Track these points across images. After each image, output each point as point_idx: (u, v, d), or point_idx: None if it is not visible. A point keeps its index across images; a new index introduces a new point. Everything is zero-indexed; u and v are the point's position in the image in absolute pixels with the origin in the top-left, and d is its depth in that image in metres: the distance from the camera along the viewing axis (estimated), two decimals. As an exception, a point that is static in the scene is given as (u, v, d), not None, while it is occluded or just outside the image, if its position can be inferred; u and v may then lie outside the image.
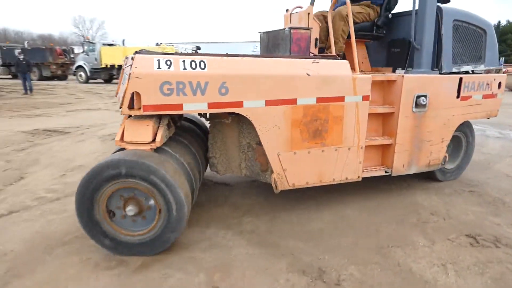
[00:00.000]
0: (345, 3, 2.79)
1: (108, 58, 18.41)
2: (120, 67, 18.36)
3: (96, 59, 18.70)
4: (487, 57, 3.30)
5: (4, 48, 20.95)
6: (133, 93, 2.08)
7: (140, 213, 2.16)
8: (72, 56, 21.65)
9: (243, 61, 2.27)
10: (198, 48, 18.59)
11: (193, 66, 2.15)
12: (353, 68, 2.64)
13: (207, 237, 2.43)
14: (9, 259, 2.16)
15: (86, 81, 19.04)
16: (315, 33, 2.94)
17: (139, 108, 2.10)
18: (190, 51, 17.72)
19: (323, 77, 2.45)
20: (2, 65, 20.59)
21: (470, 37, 3.17)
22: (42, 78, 19.77)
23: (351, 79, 2.54)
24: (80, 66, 18.99)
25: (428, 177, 3.54)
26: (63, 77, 21.10)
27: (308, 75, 2.40)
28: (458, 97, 3.08)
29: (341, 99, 2.56)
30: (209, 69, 2.18)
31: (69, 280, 1.97)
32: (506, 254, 2.26)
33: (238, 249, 2.29)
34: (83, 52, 19.26)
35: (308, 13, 2.89)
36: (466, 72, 3.21)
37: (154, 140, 2.17)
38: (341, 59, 2.62)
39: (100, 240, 2.15)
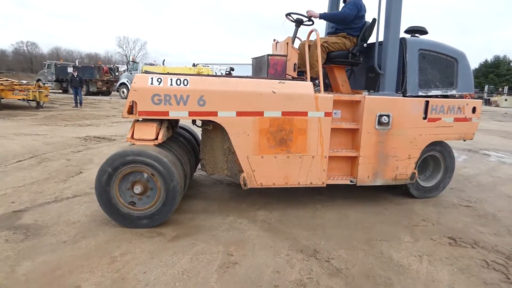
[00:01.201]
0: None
1: (149, 76, 20.34)
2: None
3: (138, 77, 20.75)
4: (459, 83, 3.70)
5: (58, 65, 24.02)
6: (132, 102, 2.86)
7: (145, 192, 2.91)
8: (116, 74, 24.15)
9: (217, 80, 2.99)
10: (232, 69, 19.89)
11: (178, 83, 2.91)
12: (321, 89, 3.24)
13: (227, 223, 3.11)
14: (77, 226, 2.92)
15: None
16: (293, 59, 3.58)
17: (136, 113, 2.87)
18: (224, 73, 19.04)
19: (287, 95, 3.08)
20: (55, 81, 23.51)
21: (439, 64, 3.62)
22: (88, 93, 22.28)
23: (314, 97, 3.13)
24: (123, 83, 21.21)
25: (404, 194, 3.90)
26: (107, 93, 23.59)
27: (274, 92, 3.04)
28: (425, 118, 3.50)
29: (305, 113, 3.15)
30: (190, 85, 2.92)
31: (122, 241, 2.69)
32: (478, 253, 2.71)
33: (250, 232, 2.95)
34: (126, 70, 21.49)
35: (287, 43, 3.56)
36: (444, 96, 3.64)
37: (156, 138, 2.96)
38: (313, 81, 3.24)
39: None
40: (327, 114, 3.21)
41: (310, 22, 3.71)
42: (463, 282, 2.30)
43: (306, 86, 3.17)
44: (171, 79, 2.91)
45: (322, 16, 3.70)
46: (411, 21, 4.16)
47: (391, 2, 3.35)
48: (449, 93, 3.69)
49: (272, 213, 3.38)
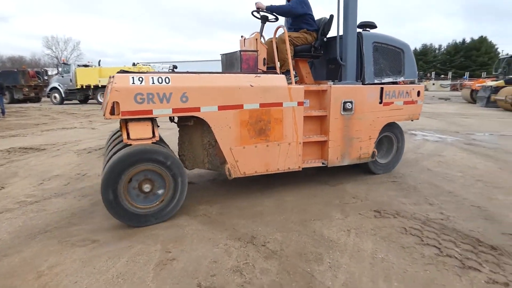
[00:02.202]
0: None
1: (84, 79, 19.36)
2: (95, 87, 19.25)
3: (71, 80, 19.56)
4: (406, 71, 4.36)
5: (-29, 72, 21.55)
6: (113, 102, 2.95)
7: (153, 190, 3.09)
8: (46, 78, 22.37)
9: (199, 76, 3.21)
10: (175, 67, 19.62)
11: (160, 81, 3.07)
12: (292, 81, 3.61)
13: (167, 221, 3.16)
14: (-2, 245, 2.73)
15: (61, 103, 19.79)
16: (263, 54, 3.91)
17: (119, 114, 2.97)
18: (167, 70, 18.76)
19: (264, 88, 3.41)
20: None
21: (389, 55, 4.23)
22: (13, 101, 20.39)
23: (287, 89, 3.50)
24: (54, 88, 19.84)
25: (366, 171, 4.47)
26: (36, 99, 21.81)
27: (252, 86, 3.34)
28: (381, 103, 4.08)
29: (280, 104, 3.51)
30: (172, 82, 3.09)
31: (51, 254, 2.58)
32: (399, 222, 3.10)
33: (190, 227, 3.04)
34: (57, 73, 20.06)
35: (256, 39, 3.88)
36: (394, 83, 4.25)
37: (154, 136, 3.12)
38: (283, 74, 3.59)
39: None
40: (300, 104, 3.61)
41: (274, 18, 4.06)
42: (384, 249, 2.60)
43: (280, 79, 3.52)
44: (153, 78, 3.06)
45: (268, 8, 4.05)
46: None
47: (348, 0, 3.84)
48: (398, 80, 4.32)
49: (212, 206, 3.53)
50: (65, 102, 20.08)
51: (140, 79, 3.03)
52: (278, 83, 3.51)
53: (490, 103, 15.65)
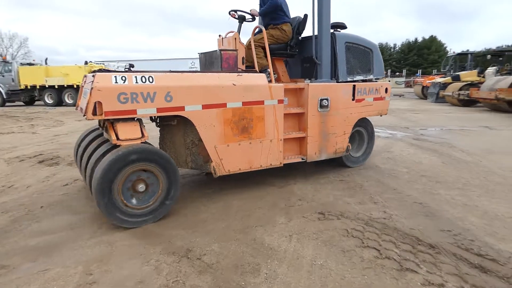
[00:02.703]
0: (261, 31, 3.92)
1: (28, 78, 18.04)
2: (42, 87, 18.02)
3: (13, 80, 18.12)
4: (375, 69, 4.69)
5: None
6: (95, 102, 2.89)
7: (147, 189, 3.11)
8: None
9: (183, 75, 3.24)
10: (132, 65, 18.94)
11: (143, 80, 3.06)
12: (271, 80, 3.75)
13: (96, 236, 2.88)
14: None
15: (2, 104, 18.28)
16: (242, 53, 4.01)
17: (101, 114, 2.92)
18: (123, 70, 18.09)
19: (245, 86, 3.52)
20: None
21: (360, 54, 4.54)
22: None
23: (268, 87, 3.64)
24: (-6, 89, 18.18)
25: (340, 164, 4.75)
26: (-28, 102, 19.81)
27: (234, 85, 3.43)
28: (353, 99, 4.36)
29: (261, 102, 3.64)
30: (156, 82, 3.10)
31: None
32: (342, 223, 3.06)
33: (121, 242, 2.76)
34: (-3, 72, 18.50)
35: (235, 38, 3.97)
36: (364, 80, 4.55)
37: (143, 135, 3.11)
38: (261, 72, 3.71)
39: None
40: (280, 102, 3.76)
41: (252, 19, 4.18)
42: (324, 254, 2.53)
43: (260, 78, 3.65)
44: (136, 77, 3.04)
45: (260, 13, 4.21)
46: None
47: (322, 2, 4.05)
48: (368, 78, 4.64)
49: None
50: (7, 104, 18.57)
51: (123, 78, 3.00)
52: (259, 81, 3.63)
53: (439, 99, 17.05)
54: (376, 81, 4.86)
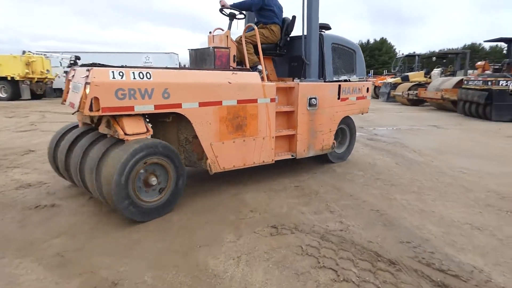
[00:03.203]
0: (253, 29, 3.99)
1: None
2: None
3: None
4: (357, 70, 4.91)
5: None
6: (92, 98, 2.84)
7: (158, 183, 3.12)
8: None
9: (180, 72, 3.24)
10: (78, 58, 17.75)
11: (141, 76, 3.03)
12: (263, 78, 3.83)
13: None
14: None
15: None
16: (233, 51, 4.06)
17: (98, 110, 2.87)
18: (69, 62, 17.04)
19: (240, 85, 3.57)
20: None
21: (344, 55, 4.72)
22: None
23: (261, 86, 3.72)
24: None
25: (324, 161, 4.94)
26: None
27: (230, 83, 3.49)
28: (339, 98, 4.55)
29: (255, 101, 3.71)
30: (154, 78, 3.08)
31: None
32: (296, 238, 2.74)
33: (28, 277, 2.20)
34: None
35: (227, 36, 4.01)
36: (345, 81, 4.75)
37: (148, 130, 3.11)
38: (252, 71, 3.79)
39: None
40: (272, 100, 3.86)
41: (242, 16, 4.24)
42: (276, 279, 2.21)
43: (254, 76, 3.72)
44: (133, 73, 2.99)
45: (232, 5, 4.26)
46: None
47: (311, 3, 4.19)
48: (351, 78, 4.86)
49: (75, 238, 2.71)
50: None
51: (121, 73, 2.94)
52: (253, 80, 3.70)
53: (390, 98, 18.10)
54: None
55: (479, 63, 16.52)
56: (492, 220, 3.14)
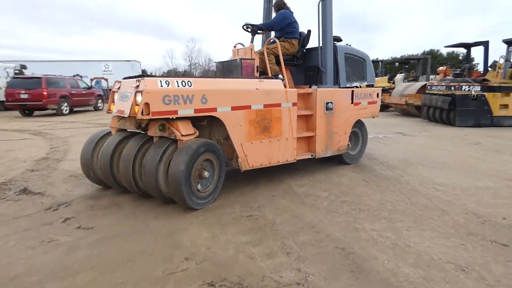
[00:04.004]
0: (274, 42, 4.48)
1: None
2: None
3: None
4: (368, 77, 5.36)
5: None
6: (144, 103, 3.31)
7: (208, 176, 3.65)
8: None
9: (216, 80, 3.71)
10: (24, 67, 17.58)
11: (183, 84, 3.50)
12: (285, 85, 4.29)
13: None
14: None
15: None
16: (256, 62, 4.53)
17: (148, 114, 3.33)
18: (13, 72, 16.68)
19: (266, 91, 4.03)
20: None
21: (356, 64, 5.18)
22: None
23: (284, 92, 4.17)
24: None
25: (340, 162, 5.34)
26: None
27: (257, 89, 3.94)
28: (352, 103, 4.99)
29: (279, 105, 4.16)
30: (194, 86, 3.54)
31: None
32: None
33: None
34: None
35: (251, 49, 4.50)
36: (356, 87, 5.20)
37: (195, 132, 3.62)
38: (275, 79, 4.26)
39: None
40: (294, 104, 4.30)
41: (263, 32, 4.74)
42: None
43: (278, 83, 4.18)
44: (177, 81, 3.47)
45: (260, 25, 4.79)
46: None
47: (325, 18, 4.68)
48: (362, 84, 5.31)
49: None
50: None
51: (167, 82, 3.42)
52: (277, 86, 4.16)
53: None
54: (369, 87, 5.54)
55: (440, 68, 16.67)
56: (477, 256, 2.60)
